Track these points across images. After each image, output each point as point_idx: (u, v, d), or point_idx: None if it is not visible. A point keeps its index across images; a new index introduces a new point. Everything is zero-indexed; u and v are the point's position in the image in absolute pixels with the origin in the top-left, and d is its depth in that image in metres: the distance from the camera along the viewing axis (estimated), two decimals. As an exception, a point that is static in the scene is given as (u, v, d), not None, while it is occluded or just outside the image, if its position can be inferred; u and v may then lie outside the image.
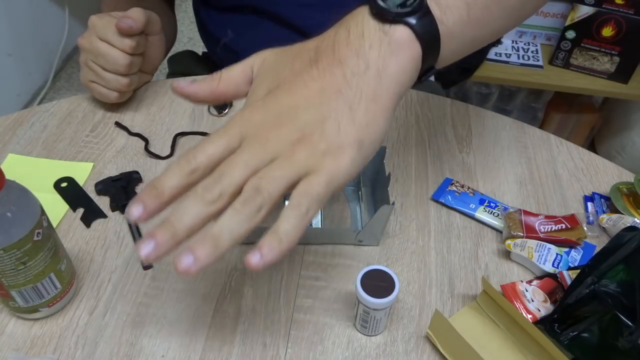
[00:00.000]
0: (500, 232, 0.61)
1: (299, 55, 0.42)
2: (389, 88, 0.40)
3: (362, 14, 0.42)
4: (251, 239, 0.60)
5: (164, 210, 0.39)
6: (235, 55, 0.87)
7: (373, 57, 0.40)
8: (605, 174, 0.69)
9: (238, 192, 0.37)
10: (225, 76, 0.45)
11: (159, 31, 0.73)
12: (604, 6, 1.35)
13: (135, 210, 0.38)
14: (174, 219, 0.37)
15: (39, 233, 0.46)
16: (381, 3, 0.41)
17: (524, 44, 1.56)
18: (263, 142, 0.39)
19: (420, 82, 0.44)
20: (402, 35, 0.40)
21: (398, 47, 0.40)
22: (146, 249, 0.37)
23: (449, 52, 0.43)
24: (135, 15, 0.67)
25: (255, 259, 0.36)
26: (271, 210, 0.38)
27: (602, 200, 0.65)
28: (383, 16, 0.41)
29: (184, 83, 0.45)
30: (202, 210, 0.37)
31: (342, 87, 0.40)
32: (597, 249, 0.57)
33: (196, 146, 0.39)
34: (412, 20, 0.40)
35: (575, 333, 0.48)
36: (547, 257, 0.56)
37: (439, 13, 0.41)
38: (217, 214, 0.37)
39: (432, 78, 1.07)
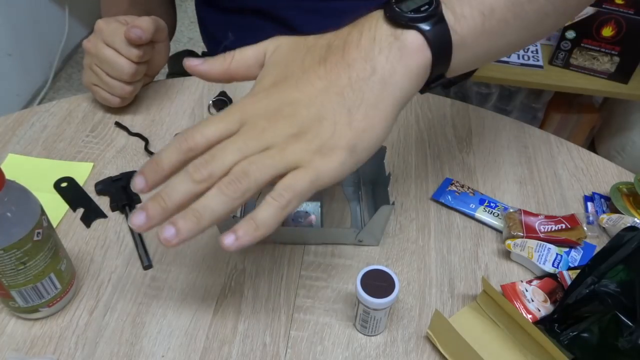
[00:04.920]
0: (500, 232, 0.61)
1: (311, 50, 0.43)
2: (392, 95, 0.41)
3: (377, 17, 0.42)
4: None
5: (164, 182, 0.41)
6: None
7: (381, 62, 0.40)
8: (605, 174, 0.69)
9: (226, 174, 0.39)
10: (238, 57, 0.46)
11: (165, 38, 0.73)
12: (604, 6, 1.35)
13: (138, 182, 0.41)
14: (164, 194, 0.39)
15: (39, 233, 0.46)
16: (396, 7, 0.41)
17: (524, 44, 1.56)
18: (259, 132, 0.40)
19: (428, 89, 0.44)
20: (414, 41, 0.40)
21: (408, 52, 0.40)
22: (138, 219, 0.39)
23: (461, 61, 0.43)
24: (145, 25, 0.65)
25: (229, 240, 0.38)
26: (254, 196, 0.40)
27: (602, 200, 0.65)
28: (396, 20, 0.41)
29: (197, 61, 0.46)
30: (190, 188, 0.39)
31: (345, 89, 0.40)
32: (597, 249, 0.57)
33: (196, 125, 0.41)
34: (425, 27, 0.40)
35: (575, 333, 0.48)
36: (547, 257, 0.56)
37: (453, 21, 0.41)
38: (204, 192, 0.39)
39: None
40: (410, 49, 0.40)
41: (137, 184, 0.41)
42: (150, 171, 0.41)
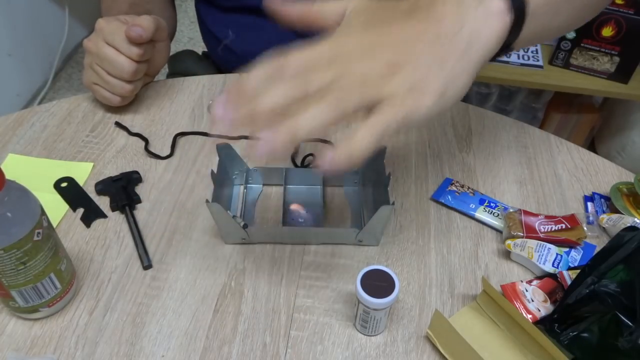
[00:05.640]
0: (500, 232, 0.61)
1: (395, 8, 0.44)
2: (476, 53, 0.42)
3: None
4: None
5: (246, 102, 0.40)
6: (235, 57, 0.87)
7: (469, 21, 0.42)
8: (605, 174, 0.69)
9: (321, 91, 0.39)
10: (319, 5, 0.47)
11: (166, 37, 0.73)
12: (604, 6, 1.35)
13: (220, 99, 0.39)
14: (257, 100, 0.39)
15: (39, 233, 0.46)
16: None
17: (524, 44, 1.56)
18: (355, 63, 0.40)
19: (494, 59, 0.46)
20: (497, 5, 0.43)
21: (491, 15, 0.43)
22: (220, 109, 0.39)
23: (526, 32, 0.45)
24: (146, 24, 0.66)
25: (327, 158, 0.38)
26: (345, 115, 0.39)
27: (602, 200, 0.65)
28: None
29: (278, 2, 0.47)
30: (284, 92, 0.39)
31: (436, 39, 0.42)
32: (597, 249, 0.57)
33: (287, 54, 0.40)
34: None
35: (575, 333, 0.48)
36: (547, 257, 0.56)
37: None
38: (293, 104, 0.39)
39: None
40: (493, 13, 0.43)
41: (218, 100, 0.40)
42: (235, 87, 0.40)
